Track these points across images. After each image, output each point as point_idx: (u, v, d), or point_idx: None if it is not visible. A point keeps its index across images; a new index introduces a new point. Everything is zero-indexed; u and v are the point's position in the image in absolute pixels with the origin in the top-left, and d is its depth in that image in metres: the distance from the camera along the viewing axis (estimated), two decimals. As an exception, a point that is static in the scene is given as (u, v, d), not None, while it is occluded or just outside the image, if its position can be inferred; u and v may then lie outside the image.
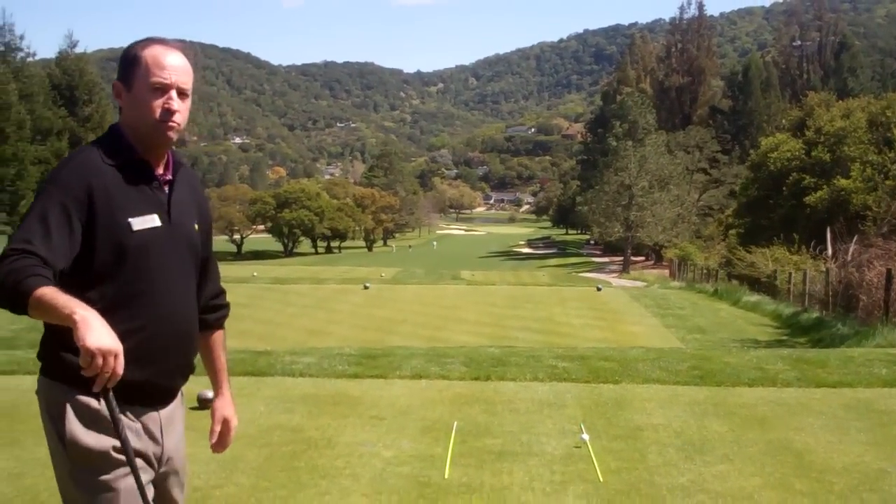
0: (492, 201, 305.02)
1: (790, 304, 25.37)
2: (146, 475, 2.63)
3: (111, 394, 2.34)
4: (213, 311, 3.02)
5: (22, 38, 57.83)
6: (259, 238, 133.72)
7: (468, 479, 5.39)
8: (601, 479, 5.36)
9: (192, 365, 2.85)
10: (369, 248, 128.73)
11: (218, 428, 2.99)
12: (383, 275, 43.23)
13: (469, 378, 8.46)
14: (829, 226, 27.63)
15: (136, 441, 2.61)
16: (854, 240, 23.38)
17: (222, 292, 3.09)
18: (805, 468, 5.66)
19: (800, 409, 7.30)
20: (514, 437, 6.39)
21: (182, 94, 2.67)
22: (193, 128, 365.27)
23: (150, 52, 2.64)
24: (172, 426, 2.80)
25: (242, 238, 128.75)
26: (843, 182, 40.73)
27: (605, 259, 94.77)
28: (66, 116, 58.36)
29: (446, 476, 5.45)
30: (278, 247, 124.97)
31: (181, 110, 2.67)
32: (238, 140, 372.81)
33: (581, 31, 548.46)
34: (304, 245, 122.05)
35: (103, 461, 2.57)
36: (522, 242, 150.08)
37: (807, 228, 39.17)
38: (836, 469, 5.63)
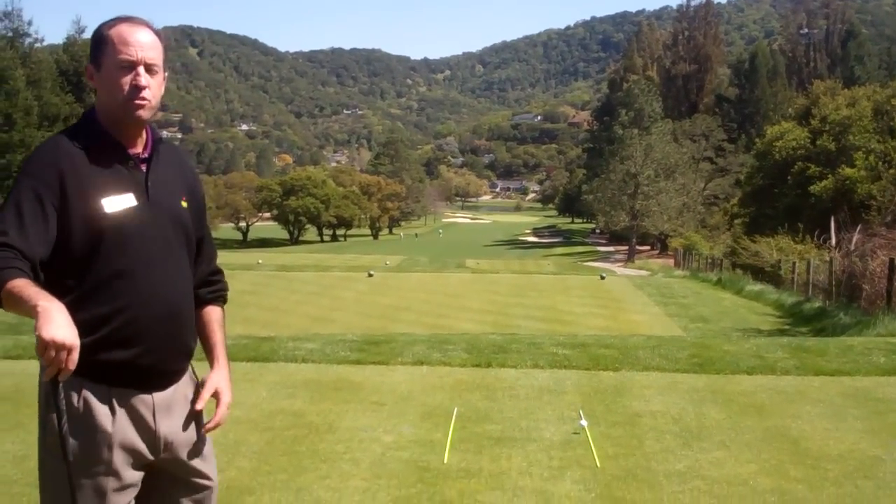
0: (497, 189, 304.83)
1: (793, 294, 25.39)
2: (115, 469, 2.56)
3: (60, 386, 2.32)
4: (206, 285, 2.90)
5: (30, 23, 57.76)
6: (265, 226, 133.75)
7: (467, 464, 5.44)
8: (598, 465, 5.41)
9: (186, 346, 2.72)
10: (375, 237, 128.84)
11: (205, 396, 2.75)
12: (388, 263, 43.34)
13: (470, 365, 8.51)
14: (834, 215, 27.67)
15: (118, 428, 2.56)
16: (858, 229, 23.41)
17: (218, 271, 2.97)
18: (801, 455, 5.71)
19: (798, 397, 7.35)
20: (513, 422, 6.44)
21: (150, 69, 2.59)
22: (200, 114, 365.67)
23: (116, 31, 2.59)
24: (171, 410, 2.68)
25: (248, 226, 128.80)
26: (847, 171, 40.71)
27: (611, 248, 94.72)
28: (74, 102, 58.31)
29: (445, 461, 5.50)
30: (284, 234, 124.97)
31: (150, 86, 2.59)
32: (245, 127, 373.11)
33: (588, 18, 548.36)
34: (310, 233, 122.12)
35: (90, 459, 2.54)
36: (528, 231, 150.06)
37: (811, 218, 39.18)
38: (832, 456, 5.68)
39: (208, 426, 2.72)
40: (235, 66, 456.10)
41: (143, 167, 2.65)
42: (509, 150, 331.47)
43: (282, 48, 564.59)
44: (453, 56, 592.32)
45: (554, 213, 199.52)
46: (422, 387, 7.60)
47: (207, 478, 2.79)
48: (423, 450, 5.73)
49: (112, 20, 2.64)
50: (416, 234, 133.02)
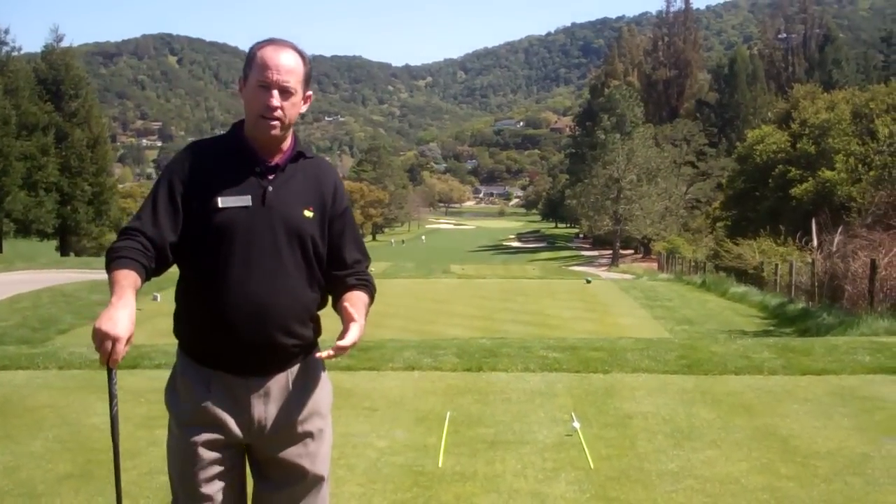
0: (481, 195, 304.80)
1: (777, 295, 25.51)
2: (209, 438, 2.88)
3: (112, 371, 2.71)
4: (348, 276, 3.08)
5: (7, 32, 57.69)
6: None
7: (461, 468, 5.48)
8: (592, 466, 5.46)
9: (273, 340, 2.89)
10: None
11: (331, 351, 2.82)
12: (373, 269, 43.24)
13: (461, 369, 8.55)
14: (815, 217, 27.81)
15: (214, 404, 2.89)
16: (839, 231, 23.54)
17: (359, 263, 3.14)
18: (790, 453, 5.77)
19: (785, 396, 7.42)
20: (506, 426, 6.48)
21: (285, 92, 2.87)
22: (180, 122, 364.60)
23: (262, 52, 2.88)
24: (269, 397, 2.93)
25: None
26: (827, 174, 40.97)
27: (595, 252, 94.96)
28: (52, 111, 58.17)
29: (440, 465, 5.54)
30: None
31: (283, 107, 2.87)
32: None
33: (569, 24, 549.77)
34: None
35: (177, 425, 2.95)
36: (512, 236, 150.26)
37: (793, 220, 39.37)
38: (821, 454, 5.75)
39: (337, 349, 2.81)
40: (215, 73, 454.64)
41: (272, 176, 2.94)
42: (492, 155, 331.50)
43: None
44: (435, 62, 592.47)
45: (537, 218, 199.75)
46: (414, 392, 7.63)
47: (303, 471, 3.00)
48: (417, 454, 5.77)
49: (263, 41, 2.95)
50: (403, 241, 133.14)
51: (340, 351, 2.79)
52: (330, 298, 3.08)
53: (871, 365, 8.68)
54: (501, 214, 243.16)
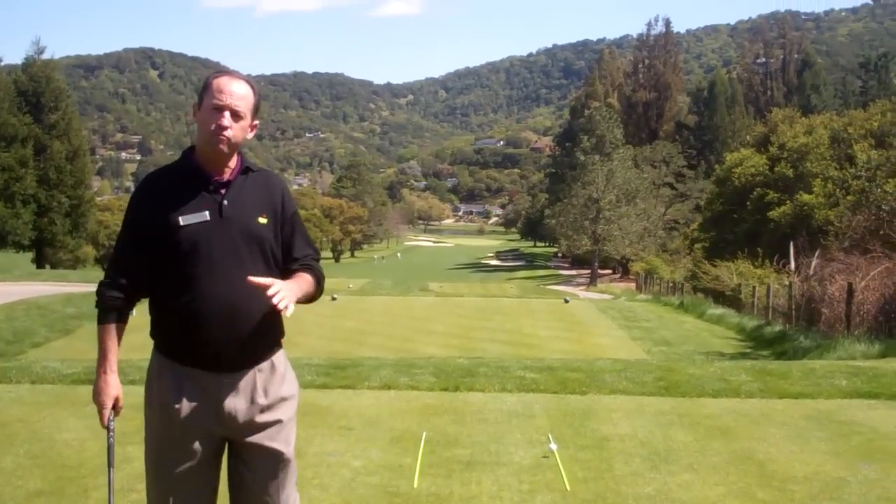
0: (460, 213, 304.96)
1: (754, 318, 25.59)
2: (184, 429, 3.24)
3: (110, 431, 3.40)
4: (296, 264, 3.42)
5: (-13, 43, 57.52)
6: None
7: (437, 489, 5.44)
8: (568, 489, 5.43)
9: (243, 337, 3.23)
10: (336, 260, 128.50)
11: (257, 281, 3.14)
12: (351, 286, 43.13)
13: (438, 389, 8.51)
14: (792, 240, 27.94)
15: (185, 396, 3.24)
16: (816, 254, 23.64)
17: (310, 256, 3.48)
18: (767, 477, 5.76)
19: (762, 420, 7.42)
20: (482, 447, 6.45)
21: (236, 115, 3.25)
22: (160, 136, 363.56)
23: (217, 80, 3.29)
24: (239, 391, 3.27)
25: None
26: (805, 197, 41.17)
27: (573, 272, 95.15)
28: (32, 123, 57.92)
29: (415, 486, 5.49)
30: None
31: (232, 128, 3.24)
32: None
33: (550, 45, 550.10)
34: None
35: (154, 417, 3.33)
36: (491, 254, 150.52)
37: (770, 243, 39.53)
38: (798, 478, 5.73)
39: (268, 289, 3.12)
40: (196, 88, 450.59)
41: (223, 191, 3.29)
42: (472, 174, 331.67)
43: (244, 71, 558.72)
44: (416, 81, 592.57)
45: (516, 236, 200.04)
46: (390, 411, 7.58)
47: (270, 453, 3.34)
48: (392, 475, 5.73)
49: (219, 72, 3.38)
50: (383, 257, 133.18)
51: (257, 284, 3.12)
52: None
53: (848, 389, 8.69)
54: (481, 233, 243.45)
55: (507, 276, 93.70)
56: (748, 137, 66.78)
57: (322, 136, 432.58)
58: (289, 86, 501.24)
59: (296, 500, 3.49)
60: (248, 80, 3.38)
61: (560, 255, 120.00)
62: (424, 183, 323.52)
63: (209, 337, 3.19)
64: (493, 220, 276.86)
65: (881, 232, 18.87)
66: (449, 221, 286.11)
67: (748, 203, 49.29)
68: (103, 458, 5.82)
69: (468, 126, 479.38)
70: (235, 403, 3.27)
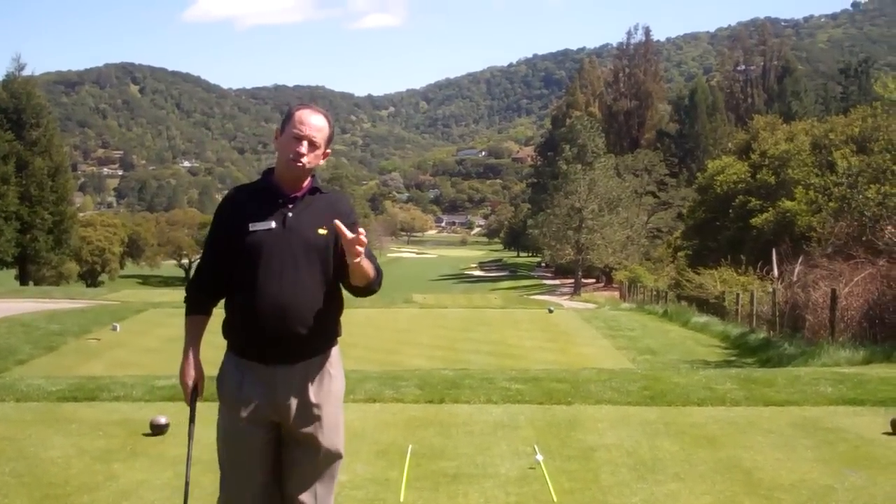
0: (443, 224, 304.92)
1: (738, 325, 25.64)
2: (245, 417, 3.71)
3: (193, 409, 3.96)
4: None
5: (-32, 61, 57.35)
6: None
7: (424, 502, 5.44)
8: (555, 500, 5.42)
9: (295, 334, 3.68)
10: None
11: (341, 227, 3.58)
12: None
13: (423, 401, 8.49)
14: (775, 247, 28.04)
15: (245, 387, 3.72)
16: (799, 260, 23.72)
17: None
18: (754, 485, 5.76)
19: (748, 428, 7.42)
20: (468, 459, 6.43)
21: (312, 144, 3.74)
22: (142, 151, 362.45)
23: (300, 112, 3.78)
24: (292, 384, 3.73)
25: (191, 262, 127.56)
26: (787, 204, 41.31)
27: (557, 281, 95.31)
28: (13, 140, 57.72)
29: (402, 499, 5.48)
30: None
31: (308, 155, 3.73)
32: (187, 164, 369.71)
33: (530, 55, 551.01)
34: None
35: (227, 407, 3.79)
36: (474, 265, 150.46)
37: (753, 250, 39.69)
38: (784, 486, 5.74)
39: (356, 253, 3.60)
40: (178, 102, 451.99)
41: (291, 205, 3.77)
42: (454, 185, 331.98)
43: (225, 85, 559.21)
44: (397, 93, 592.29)
45: (500, 247, 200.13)
46: (375, 424, 7.56)
47: (318, 445, 3.79)
48: (378, 488, 5.71)
49: (301, 104, 3.85)
50: None
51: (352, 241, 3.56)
52: (347, 278, 3.77)
53: (833, 396, 8.71)
54: (463, 243, 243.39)
55: (490, 286, 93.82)
56: (730, 145, 67.10)
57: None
58: (270, 99, 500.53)
59: (333, 489, 3.96)
60: (326, 113, 3.85)
61: (543, 264, 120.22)
62: (407, 194, 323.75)
63: (263, 332, 3.66)
64: (476, 230, 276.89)
65: (864, 238, 18.92)
66: (432, 232, 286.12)
67: (730, 210, 49.46)
68: (89, 477, 5.84)
69: (450, 137, 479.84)
70: (289, 395, 3.72)
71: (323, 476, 3.86)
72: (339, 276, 3.80)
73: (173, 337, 22.52)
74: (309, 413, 3.75)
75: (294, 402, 3.73)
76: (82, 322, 23.88)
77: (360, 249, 3.57)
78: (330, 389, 3.83)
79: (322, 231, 3.75)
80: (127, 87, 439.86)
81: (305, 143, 3.71)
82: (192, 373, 3.82)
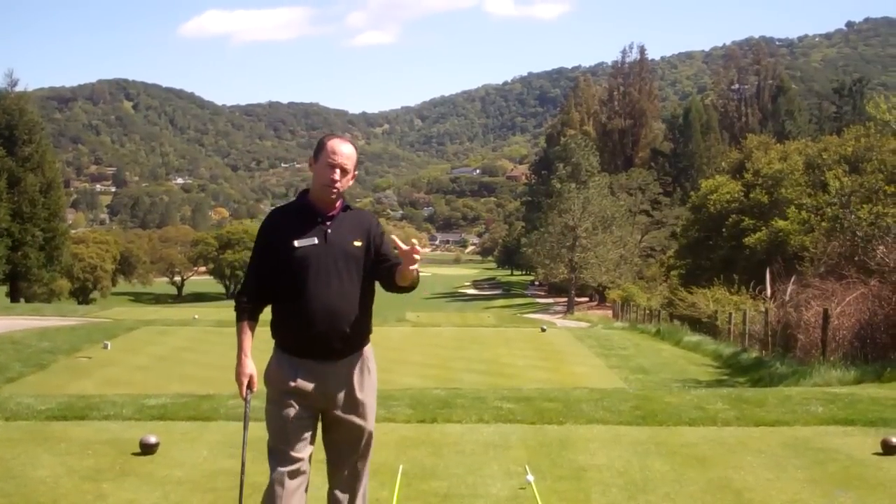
0: (437, 242, 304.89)
1: (730, 344, 25.66)
2: (296, 403, 4.32)
3: (247, 402, 4.51)
4: (388, 261, 4.42)
5: (-39, 76, 57.31)
6: (200, 280, 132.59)
7: (414, 522, 5.41)
8: (545, 520, 5.41)
9: (343, 332, 4.30)
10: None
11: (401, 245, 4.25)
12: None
13: (415, 420, 8.48)
14: (768, 266, 28.07)
15: (299, 378, 4.31)
16: (792, 280, 23.72)
17: (396, 258, 4.39)
18: (744, 506, 5.75)
19: (739, 448, 7.42)
20: (460, 479, 6.42)
21: (344, 171, 4.33)
22: (135, 168, 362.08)
23: (331, 143, 4.37)
24: (337, 377, 4.36)
25: (183, 280, 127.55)
26: (780, 223, 41.39)
27: (550, 300, 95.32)
28: (5, 156, 57.76)
29: (392, 519, 5.46)
30: (220, 289, 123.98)
31: (340, 181, 4.33)
32: (180, 181, 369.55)
33: (525, 73, 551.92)
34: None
35: (274, 396, 4.39)
36: (468, 283, 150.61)
37: (746, 269, 39.70)
38: (775, 507, 5.73)
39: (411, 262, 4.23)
40: (171, 119, 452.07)
41: (329, 223, 4.37)
42: (448, 203, 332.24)
43: (219, 102, 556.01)
44: (392, 110, 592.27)
45: (493, 265, 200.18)
46: (366, 443, 7.52)
47: (360, 427, 4.45)
48: (369, 508, 5.67)
49: (331, 134, 4.52)
50: None
51: (410, 251, 4.18)
52: (388, 279, 4.38)
53: (824, 416, 8.72)
54: (457, 261, 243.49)
55: (484, 304, 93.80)
56: (723, 164, 67.19)
57: (298, 166, 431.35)
58: (264, 116, 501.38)
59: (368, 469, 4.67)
60: (352, 141, 4.52)
61: (537, 283, 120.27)
62: (401, 212, 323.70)
63: (316, 332, 4.25)
64: (470, 248, 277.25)
65: (856, 258, 18.93)
66: (426, 250, 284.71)
67: (724, 229, 49.56)
68: (77, 496, 5.83)
69: (444, 155, 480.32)
70: (338, 387, 4.36)
71: (362, 453, 4.54)
72: (375, 279, 4.44)
73: (164, 355, 22.51)
74: (354, 402, 4.40)
75: (342, 393, 4.37)
76: (73, 340, 23.78)
77: (417, 257, 4.17)
78: (370, 381, 4.49)
79: (357, 243, 4.39)
80: (120, 103, 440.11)
81: (338, 170, 4.31)
82: (246, 371, 4.37)
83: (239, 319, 4.43)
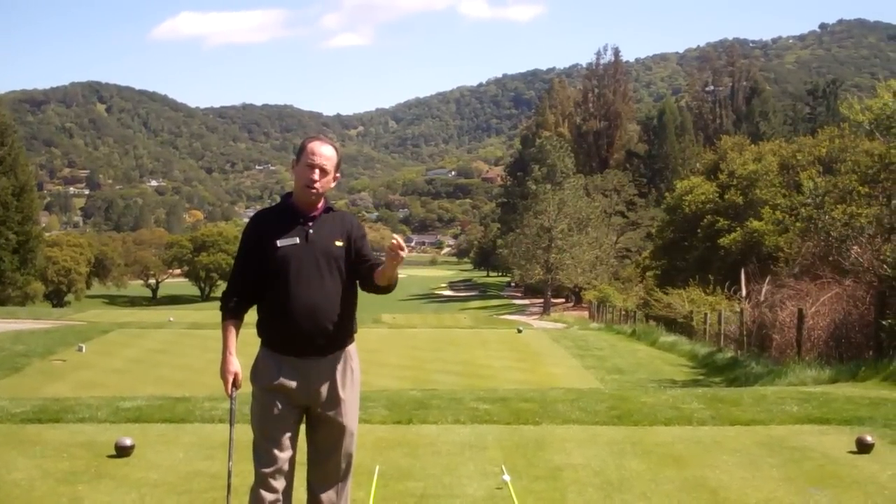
0: (413, 244, 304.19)
1: (706, 344, 25.78)
2: (281, 401, 4.40)
3: (232, 399, 4.51)
4: (373, 263, 4.55)
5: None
6: (175, 283, 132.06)
7: (390, 523, 5.39)
8: (522, 520, 5.41)
9: (325, 329, 4.39)
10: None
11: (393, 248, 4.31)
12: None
13: (391, 422, 8.47)
14: (743, 267, 28.19)
15: (282, 376, 4.38)
16: (767, 280, 23.85)
17: (375, 258, 4.61)
18: (720, 505, 5.77)
19: (714, 447, 7.45)
20: (436, 479, 6.41)
21: (323, 171, 4.42)
22: (108, 171, 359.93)
23: (311, 144, 4.47)
24: (320, 373, 4.44)
25: (158, 283, 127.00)
26: (755, 224, 41.59)
27: (526, 301, 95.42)
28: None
29: (368, 520, 5.44)
30: (195, 291, 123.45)
31: (320, 181, 4.42)
32: (154, 183, 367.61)
33: (500, 75, 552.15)
34: (222, 289, 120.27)
35: (260, 393, 4.44)
36: (444, 285, 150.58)
37: (721, 270, 39.88)
38: (750, 505, 5.76)
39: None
40: (145, 121, 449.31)
41: (311, 223, 4.45)
42: (424, 204, 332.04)
43: (192, 104, 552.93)
44: (366, 112, 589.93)
45: (469, 266, 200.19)
46: (342, 445, 7.51)
47: (341, 425, 4.52)
48: (345, 509, 5.66)
49: (313, 136, 4.57)
50: None
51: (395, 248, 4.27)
52: (366, 279, 4.51)
53: (799, 415, 8.77)
54: (433, 263, 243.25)
55: (460, 306, 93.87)
56: (698, 165, 67.46)
57: (272, 168, 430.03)
58: (238, 118, 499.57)
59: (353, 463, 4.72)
60: (333, 143, 4.56)
61: (513, 284, 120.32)
62: (376, 214, 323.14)
63: (298, 329, 4.33)
64: (446, 250, 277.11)
65: (830, 258, 19.05)
66: (401, 252, 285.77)
67: (699, 230, 49.72)
68: (53, 499, 5.79)
69: (419, 157, 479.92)
70: (321, 383, 4.43)
71: (345, 450, 4.59)
72: (356, 279, 4.54)
73: (139, 358, 22.43)
74: (336, 399, 4.47)
75: (325, 390, 4.44)
76: (47, 343, 23.67)
77: (403, 254, 4.27)
78: (353, 379, 4.57)
79: (339, 243, 4.48)
80: (93, 105, 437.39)
81: (318, 170, 4.40)
82: (231, 369, 4.41)
83: (224, 318, 4.49)
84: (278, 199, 4.66)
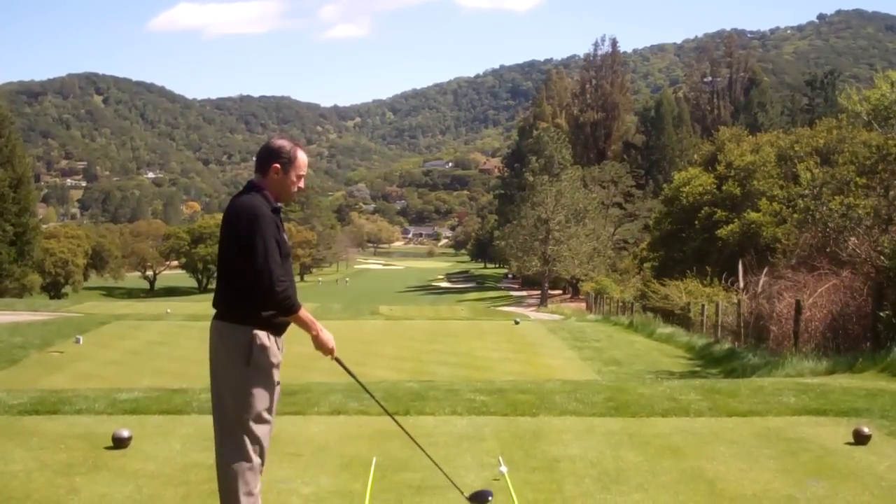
0: (410, 235, 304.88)
1: (703, 336, 25.78)
2: (277, 375, 4.77)
3: (340, 360, 5.09)
4: None
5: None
6: (172, 274, 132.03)
7: (387, 514, 5.39)
8: (519, 511, 5.40)
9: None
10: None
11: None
12: (301, 310, 42.72)
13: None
14: (741, 258, 28.20)
15: (280, 352, 4.75)
16: (764, 272, 23.87)
17: None
18: (717, 496, 5.77)
19: (712, 438, 7.45)
20: (433, 471, 6.38)
21: (300, 178, 4.84)
22: (106, 162, 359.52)
23: (302, 157, 4.82)
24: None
25: (155, 274, 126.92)
26: (753, 215, 41.59)
27: (523, 292, 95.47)
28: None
29: (365, 511, 5.44)
30: (192, 283, 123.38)
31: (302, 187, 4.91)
32: (151, 175, 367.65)
33: (497, 66, 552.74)
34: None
35: (270, 371, 4.69)
36: (441, 276, 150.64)
37: (719, 261, 39.93)
38: (747, 496, 5.76)
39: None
40: (142, 113, 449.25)
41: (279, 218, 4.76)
42: (421, 196, 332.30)
43: (189, 95, 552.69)
44: (364, 103, 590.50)
45: (466, 258, 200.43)
46: (339, 437, 7.52)
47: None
48: (342, 501, 5.69)
49: (294, 146, 4.82)
50: (337, 281, 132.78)
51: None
52: None
53: (796, 406, 8.77)
54: (430, 255, 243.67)
55: (457, 298, 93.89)
56: (695, 156, 67.37)
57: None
58: (235, 109, 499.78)
59: None
60: (306, 147, 5.00)
61: (510, 276, 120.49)
62: (373, 206, 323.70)
63: (290, 313, 4.70)
64: (443, 242, 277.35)
65: (827, 249, 19.04)
66: (398, 244, 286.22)
67: (696, 222, 49.69)
68: (50, 490, 5.79)
69: (416, 148, 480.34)
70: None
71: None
72: None
73: (136, 349, 22.40)
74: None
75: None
76: (45, 334, 23.65)
77: (325, 355, 5.03)
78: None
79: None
80: (90, 97, 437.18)
81: (303, 180, 4.89)
82: (331, 335, 4.97)
83: (297, 305, 4.72)
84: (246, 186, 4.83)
